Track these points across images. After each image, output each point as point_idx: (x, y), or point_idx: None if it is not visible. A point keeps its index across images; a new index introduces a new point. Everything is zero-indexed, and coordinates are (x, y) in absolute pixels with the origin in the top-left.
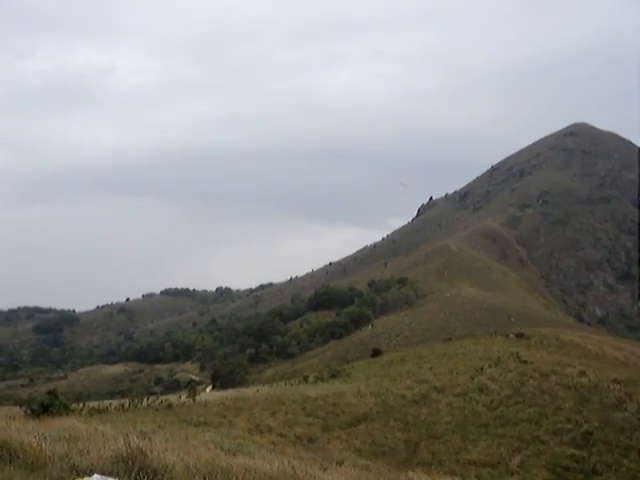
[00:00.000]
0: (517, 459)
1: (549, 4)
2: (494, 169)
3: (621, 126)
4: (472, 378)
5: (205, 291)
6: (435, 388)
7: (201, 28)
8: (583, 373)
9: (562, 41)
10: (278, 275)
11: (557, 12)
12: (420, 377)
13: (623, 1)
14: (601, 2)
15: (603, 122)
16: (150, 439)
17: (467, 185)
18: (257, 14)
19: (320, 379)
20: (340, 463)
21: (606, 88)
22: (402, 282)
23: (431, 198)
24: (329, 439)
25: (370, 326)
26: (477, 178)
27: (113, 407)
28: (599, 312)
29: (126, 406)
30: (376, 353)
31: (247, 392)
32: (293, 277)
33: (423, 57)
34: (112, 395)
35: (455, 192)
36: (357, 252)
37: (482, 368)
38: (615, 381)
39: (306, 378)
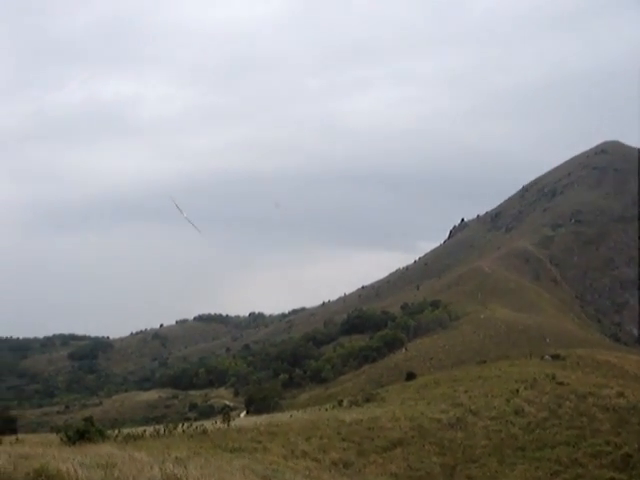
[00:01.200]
0: None
1: (574, 24)
2: (525, 189)
3: None
4: (508, 400)
5: (238, 317)
6: (470, 411)
7: (227, 55)
8: (621, 394)
9: (590, 59)
10: (310, 300)
11: (583, 31)
12: (455, 400)
13: None
14: (628, 20)
15: (634, 140)
16: (185, 466)
17: (499, 206)
18: (284, 40)
19: (354, 403)
20: None
21: (636, 105)
22: (435, 305)
23: (463, 220)
24: (365, 464)
25: (404, 349)
26: (509, 198)
27: (148, 433)
28: (636, 332)
29: (161, 432)
30: (410, 376)
31: (281, 417)
32: (325, 301)
33: (448, 79)
34: (147, 421)
35: (487, 213)
36: (389, 275)
37: (517, 390)
38: None
39: (340, 402)
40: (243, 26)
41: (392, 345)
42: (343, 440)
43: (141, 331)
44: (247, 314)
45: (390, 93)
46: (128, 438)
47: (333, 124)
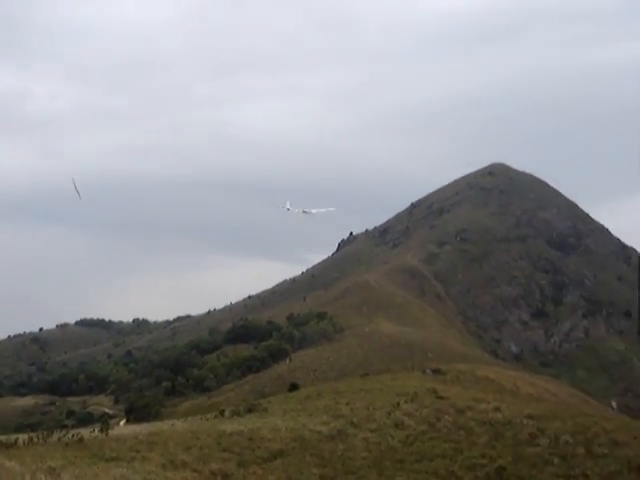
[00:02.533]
0: None
1: (467, 48)
2: (414, 206)
3: (537, 167)
4: (388, 413)
5: (121, 322)
6: (351, 423)
7: (119, 56)
8: (497, 409)
9: (480, 84)
10: (196, 307)
11: (475, 55)
12: (337, 412)
13: (541, 48)
14: (518, 48)
15: (519, 162)
16: (59, 475)
17: (387, 221)
18: (176, 45)
19: (236, 413)
20: None
21: (522, 129)
22: (321, 316)
23: (351, 233)
24: (244, 475)
25: (288, 360)
26: (397, 215)
27: (21, 441)
28: (514, 348)
29: (35, 440)
30: (293, 387)
31: (162, 426)
32: (211, 310)
33: (340, 94)
34: (21, 428)
35: (375, 228)
36: (276, 286)
37: (398, 403)
38: (528, 416)
39: (222, 412)
40: (137, 28)
41: (276, 356)
42: (223, 451)
43: (19, 334)
44: (131, 320)
45: (280, 105)
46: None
47: (222, 132)
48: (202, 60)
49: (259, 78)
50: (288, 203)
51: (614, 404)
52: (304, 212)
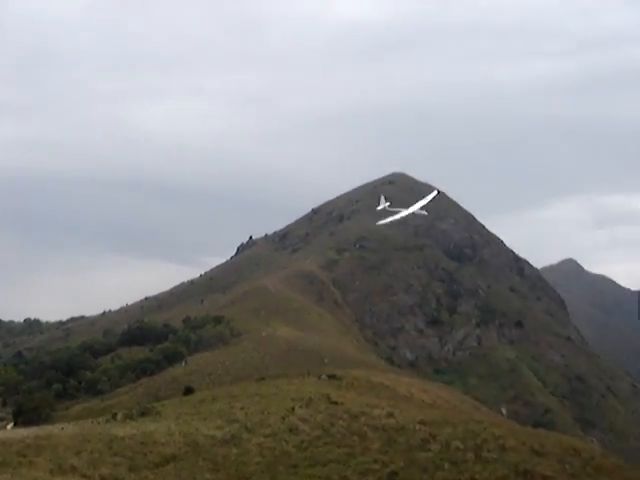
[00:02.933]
0: None
1: (372, 58)
2: (314, 212)
3: (436, 178)
4: (283, 418)
5: (12, 322)
6: (246, 428)
7: (18, 48)
8: (391, 414)
9: (383, 93)
10: (91, 308)
11: (380, 65)
12: (231, 417)
13: (444, 62)
14: (422, 61)
15: (419, 173)
16: None
17: (287, 226)
18: (81, 40)
19: (129, 417)
20: None
21: (423, 140)
22: (218, 320)
23: (251, 237)
24: None
25: (183, 363)
26: (297, 220)
27: None
28: (409, 355)
29: None
30: (188, 391)
31: (52, 430)
32: (106, 311)
33: (243, 98)
34: None
35: (275, 232)
36: (174, 288)
37: (293, 408)
38: (421, 422)
39: (115, 416)
40: (42, 22)
41: (172, 359)
42: (115, 455)
43: None
44: (22, 320)
45: (184, 105)
46: None
47: (125, 131)
48: (106, 56)
49: (163, 78)
50: (383, 199)
51: (504, 411)
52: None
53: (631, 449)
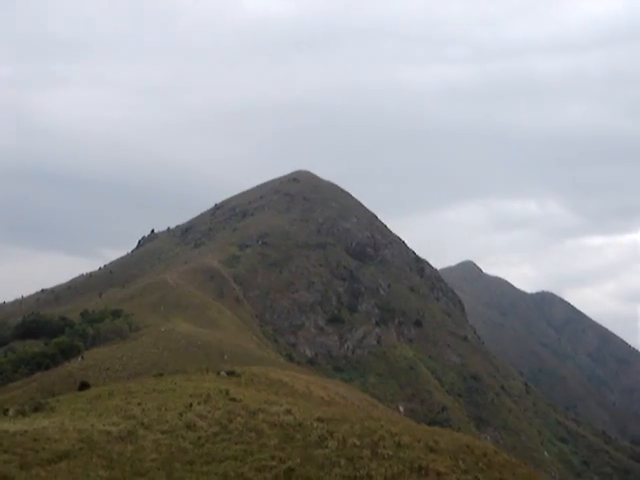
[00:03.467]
0: None
1: (276, 55)
2: (217, 207)
3: (340, 177)
4: (180, 415)
5: None
6: (142, 424)
7: None
8: (289, 411)
9: (290, 90)
10: None
11: (283, 63)
12: (127, 413)
13: (344, 62)
14: (322, 60)
15: (324, 171)
16: None
17: (190, 221)
18: None
19: (21, 413)
20: None
21: (327, 139)
22: (116, 314)
23: (153, 231)
24: (26, 478)
25: (80, 358)
26: (200, 215)
27: None
28: (309, 352)
29: None
30: (84, 386)
31: None
32: (0, 303)
33: (149, 89)
34: None
35: (177, 227)
36: (71, 281)
37: (191, 405)
38: (319, 419)
39: (6, 411)
40: None
41: (68, 353)
42: (5, 452)
43: None
44: None
45: (87, 94)
46: None
47: (23, 118)
48: (6, 40)
49: (65, 65)
50: None
51: (401, 408)
52: None
53: (522, 446)
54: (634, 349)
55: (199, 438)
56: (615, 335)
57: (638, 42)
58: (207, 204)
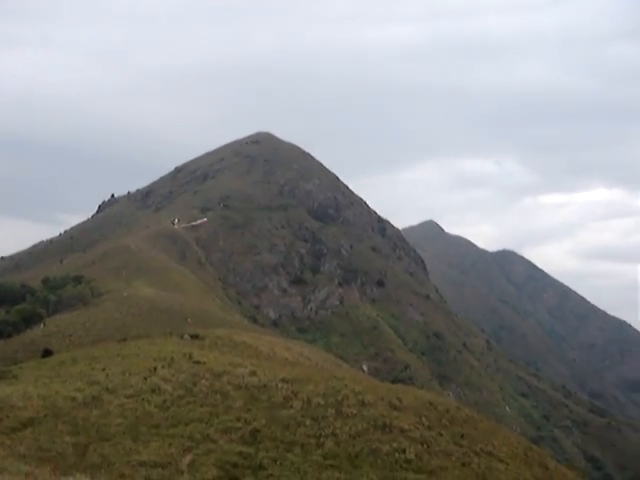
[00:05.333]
0: (187, 458)
1: (233, 14)
2: (178, 170)
3: (301, 138)
4: (145, 379)
5: None
6: (107, 389)
7: None
8: (254, 373)
9: (248, 52)
10: None
11: (241, 23)
12: (92, 378)
13: (303, 22)
14: (281, 19)
15: (285, 133)
16: None
17: (150, 184)
18: None
19: None
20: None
21: (287, 100)
22: (78, 280)
23: (113, 195)
24: None
25: (42, 325)
26: (161, 178)
27: None
28: (272, 314)
29: None
30: (47, 353)
31: None
32: None
33: (102, 52)
34: None
35: (138, 190)
36: (32, 247)
37: (155, 369)
38: (283, 380)
39: None
40: None
41: (30, 320)
42: None
43: None
44: None
45: (39, 56)
46: None
47: None
48: None
49: (14, 26)
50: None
51: (365, 367)
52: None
53: (484, 401)
54: (593, 305)
55: (164, 401)
56: (574, 292)
57: (592, 1)
58: (168, 168)
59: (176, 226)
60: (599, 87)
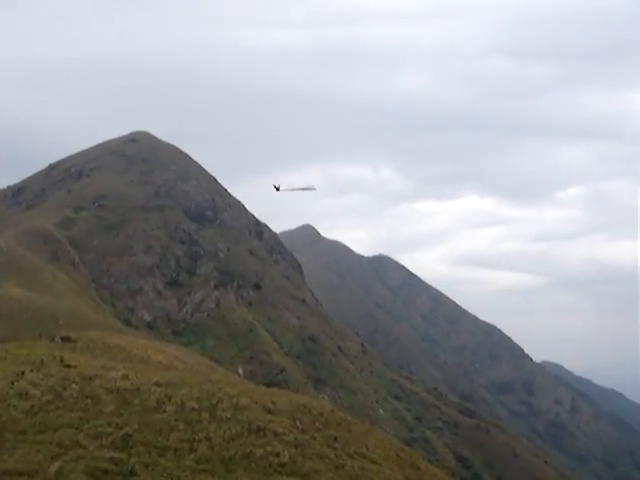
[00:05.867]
0: (55, 465)
1: (112, 10)
2: (52, 167)
3: (179, 138)
4: (12, 383)
5: None
6: None
7: None
8: (126, 376)
9: (124, 49)
10: None
11: (121, 20)
12: None
13: (185, 22)
14: (162, 18)
15: (163, 133)
16: None
17: (22, 181)
18: None
19: None
20: None
21: (166, 99)
22: None
23: None
24: None
25: None
26: (34, 175)
27: None
28: (147, 317)
29: None
30: None
31: None
32: None
33: None
34: None
35: (9, 187)
36: None
37: (23, 373)
38: (156, 384)
39: None
40: None
41: None
42: None
43: None
44: None
45: None
46: None
47: None
48: None
49: None
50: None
51: (240, 371)
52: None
53: (359, 404)
54: (464, 310)
55: (32, 407)
56: (446, 297)
57: (468, 16)
58: (41, 164)
59: (279, 189)
60: (473, 100)
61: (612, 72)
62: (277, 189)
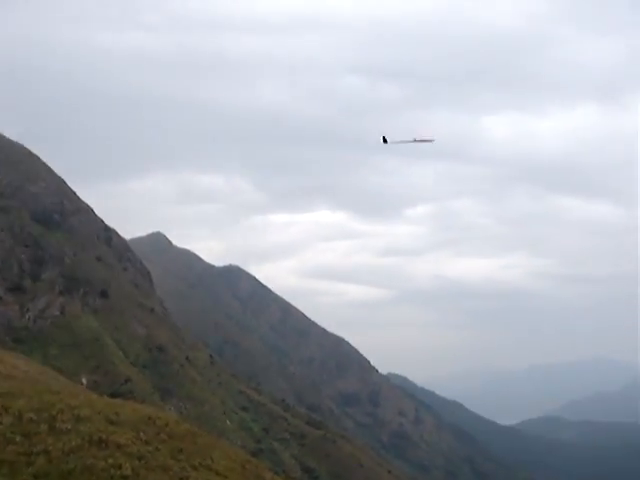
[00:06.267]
0: None
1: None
2: None
3: (27, 138)
4: None
5: None
6: None
7: None
8: None
9: None
10: None
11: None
12: None
13: (40, 18)
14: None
15: (8, 131)
16: None
17: None
18: None
19: None
20: None
21: (12, 96)
22: None
23: None
24: None
25: None
26: None
27: None
28: None
29: None
30: None
31: None
32: None
33: None
34: None
35: None
36: None
37: None
38: None
39: None
40: None
41: None
42: None
43: None
44: None
45: None
46: None
47: None
48: None
49: None
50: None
51: (84, 381)
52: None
53: (206, 416)
54: (313, 322)
55: None
56: (296, 308)
57: (323, 31)
58: None
59: (387, 142)
60: (329, 115)
61: (465, 97)
62: (385, 141)
